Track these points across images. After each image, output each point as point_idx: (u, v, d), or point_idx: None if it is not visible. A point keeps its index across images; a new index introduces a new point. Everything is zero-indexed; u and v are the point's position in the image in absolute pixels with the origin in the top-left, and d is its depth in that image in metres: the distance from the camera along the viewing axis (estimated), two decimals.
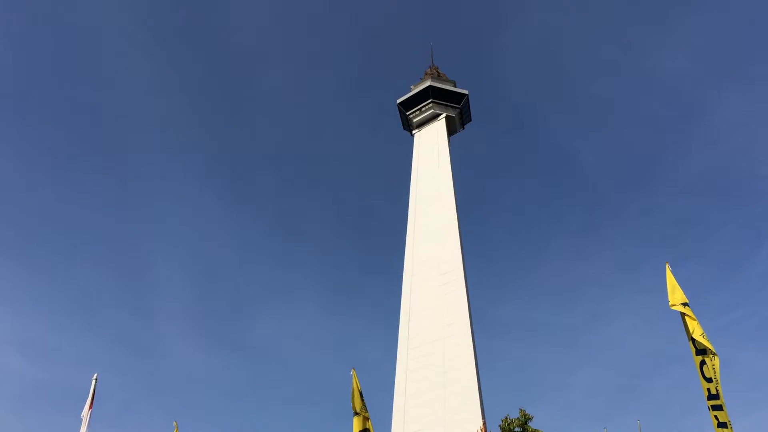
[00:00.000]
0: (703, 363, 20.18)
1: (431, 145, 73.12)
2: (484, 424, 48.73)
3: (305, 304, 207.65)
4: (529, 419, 28.79)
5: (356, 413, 22.15)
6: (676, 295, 21.75)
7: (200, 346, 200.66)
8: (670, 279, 22.20)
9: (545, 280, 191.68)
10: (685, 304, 21.31)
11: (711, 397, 19.76)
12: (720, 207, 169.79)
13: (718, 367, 20.02)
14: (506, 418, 29.13)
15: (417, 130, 76.43)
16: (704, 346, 20.24)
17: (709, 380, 19.83)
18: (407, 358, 57.23)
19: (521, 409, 29.32)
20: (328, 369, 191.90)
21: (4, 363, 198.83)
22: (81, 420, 32.83)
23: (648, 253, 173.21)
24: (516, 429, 28.65)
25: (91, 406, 32.92)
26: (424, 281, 60.70)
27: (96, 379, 34.15)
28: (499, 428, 28.90)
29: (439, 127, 74.29)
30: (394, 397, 55.38)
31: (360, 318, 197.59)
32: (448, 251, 61.46)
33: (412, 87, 78.31)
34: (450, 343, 55.19)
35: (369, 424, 22.81)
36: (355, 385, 23.48)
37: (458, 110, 75.69)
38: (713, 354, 20.15)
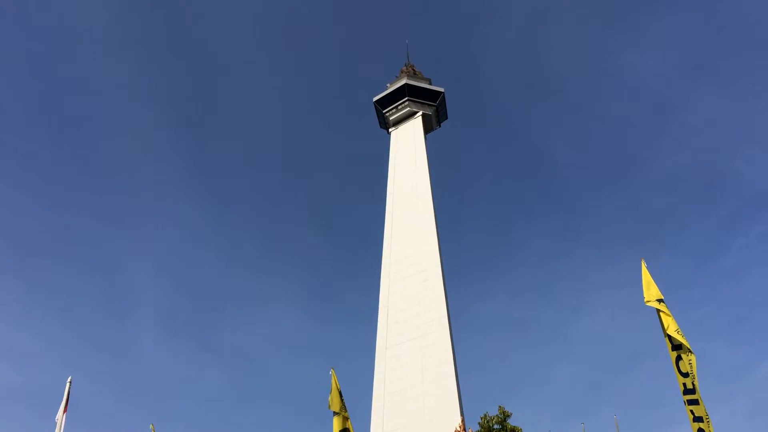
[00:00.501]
0: (678, 358, 20.39)
1: (408, 143, 73.20)
2: (463, 421, 48.90)
3: (283, 306, 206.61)
4: (508, 416, 28.95)
5: (336, 413, 22.07)
6: (651, 291, 21.93)
7: (177, 350, 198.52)
8: (646, 275, 22.38)
9: (522, 276, 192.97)
10: (660, 300, 21.51)
11: (687, 391, 19.99)
12: (693, 203, 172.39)
13: (695, 362, 20.25)
14: (485, 415, 29.27)
15: (393, 129, 76.44)
16: (680, 341, 20.46)
17: (685, 375, 20.07)
18: (386, 356, 57.26)
19: (500, 406, 29.48)
20: (306, 371, 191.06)
21: None
22: (55, 423, 32.37)
23: (623, 250, 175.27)
24: (495, 426, 28.78)
25: (65, 410, 32.41)
26: (402, 280, 60.76)
27: (70, 382, 33.63)
28: (478, 425, 28.99)
29: (416, 125, 74.36)
30: (373, 396, 55.37)
31: (338, 319, 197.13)
32: (425, 249, 61.59)
33: (388, 85, 78.29)
34: (428, 341, 55.30)
35: (349, 424, 22.75)
36: (334, 385, 23.40)
37: (434, 108, 75.84)
38: (689, 351, 20.38)
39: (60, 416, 32.39)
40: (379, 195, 73.76)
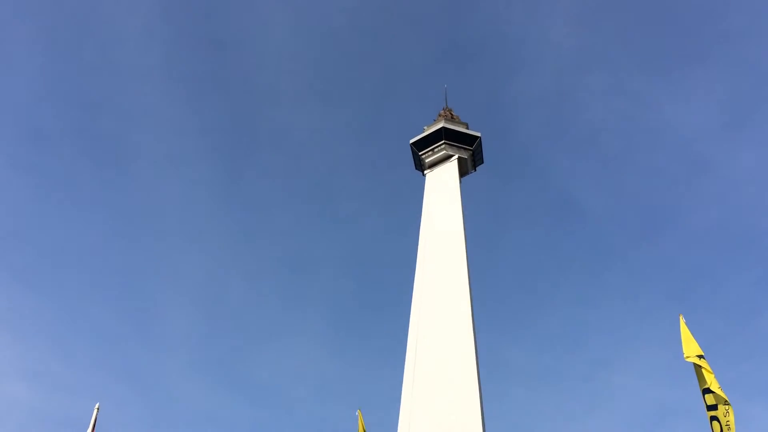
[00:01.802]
0: (713, 419, 19.79)
1: (443, 185, 73.39)
2: None
3: (311, 343, 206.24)
4: None
5: None
6: (690, 347, 21.41)
7: (204, 384, 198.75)
8: (684, 331, 21.89)
9: (551, 326, 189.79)
10: (700, 356, 20.98)
11: None
12: (730, 260, 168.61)
13: (733, 418, 19.60)
14: None
15: (429, 171, 76.82)
16: (716, 401, 19.86)
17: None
18: (412, 398, 56.49)
19: None
20: (333, 411, 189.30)
21: (8, 392, 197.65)
22: None
23: (656, 305, 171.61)
24: None
25: None
26: (432, 322, 60.24)
27: (98, 409, 34.01)
28: None
29: (451, 168, 74.62)
30: None
31: (366, 358, 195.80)
32: (456, 292, 61.13)
33: (425, 128, 78.98)
34: (456, 384, 54.51)
35: None
36: (361, 427, 23.13)
37: (470, 152, 76.13)
38: (728, 405, 19.73)
39: None
40: (411, 236, 73.77)
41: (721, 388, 19.99)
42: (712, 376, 20.35)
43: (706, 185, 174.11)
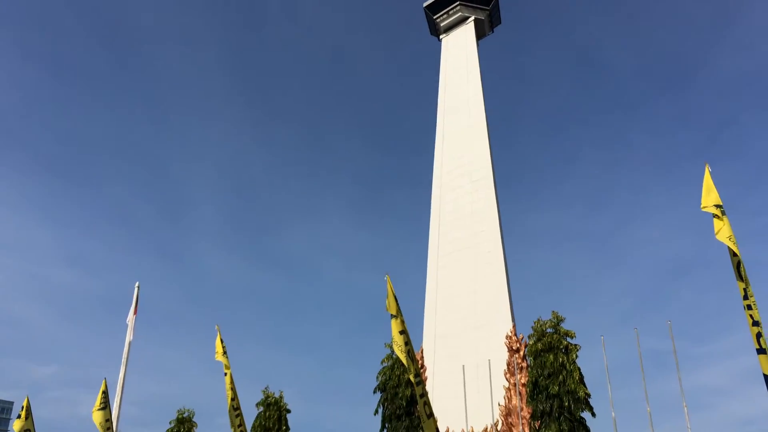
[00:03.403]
0: (739, 264, 20.05)
1: (459, 50, 71.18)
2: (514, 327, 49.84)
3: (335, 216, 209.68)
4: (561, 320, 29.24)
5: (393, 316, 22.70)
6: (710, 197, 21.28)
7: (236, 259, 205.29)
8: (707, 180, 21.65)
9: (575, 187, 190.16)
10: (718, 206, 20.93)
11: (746, 296, 19.80)
12: (756, 110, 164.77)
13: (743, 268, 19.89)
14: (538, 319, 29.62)
15: (444, 35, 74.21)
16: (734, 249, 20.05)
17: (744, 280, 19.79)
18: (437, 266, 58.12)
19: (553, 311, 29.76)
20: (360, 278, 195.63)
21: (53, 276, 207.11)
22: (127, 325, 34.46)
23: (680, 158, 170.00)
24: (548, 330, 29.17)
25: (135, 312, 34.40)
26: (454, 190, 60.71)
27: (138, 287, 35.52)
28: (531, 329, 29.48)
29: (468, 30, 71.95)
30: (425, 302, 56.65)
31: (389, 230, 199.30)
32: (477, 159, 61.07)
33: None
34: (480, 250, 55.76)
35: (405, 327, 23.41)
36: (390, 290, 23.96)
37: (487, 12, 73.03)
38: (735, 256, 19.95)
39: (131, 318, 34.41)
40: (429, 105, 72.71)
41: (734, 238, 20.13)
42: (726, 225, 20.43)
43: (736, 34, 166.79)
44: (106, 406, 27.36)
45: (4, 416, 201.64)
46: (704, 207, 21.31)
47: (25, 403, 26.91)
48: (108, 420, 27.35)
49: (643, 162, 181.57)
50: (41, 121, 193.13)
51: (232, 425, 28.25)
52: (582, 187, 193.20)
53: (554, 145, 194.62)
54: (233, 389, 28.65)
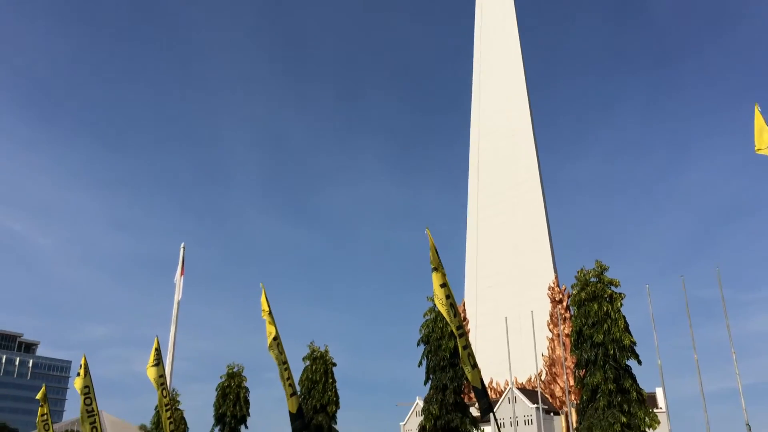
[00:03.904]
0: None
1: None
2: (557, 277, 49.57)
3: (373, 174, 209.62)
4: (605, 269, 28.96)
5: (435, 269, 22.62)
6: (764, 138, 20.47)
7: (277, 218, 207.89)
8: (759, 120, 20.80)
9: (619, 132, 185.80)
10: None
11: None
12: None
13: None
14: (582, 269, 29.37)
15: None
16: None
17: None
18: (477, 218, 57.87)
19: (597, 260, 29.43)
20: (398, 234, 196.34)
21: (103, 240, 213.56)
22: (174, 284, 35.36)
23: (729, 98, 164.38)
24: (592, 279, 28.91)
25: (182, 272, 35.21)
26: (492, 140, 59.96)
27: (184, 248, 36.29)
28: (575, 279, 29.22)
29: None
30: (466, 256, 56.67)
31: (427, 184, 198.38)
32: (516, 108, 60.04)
33: None
34: (520, 201, 55.29)
35: (446, 280, 23.31)
36: (431, 243, 23.87)
37: None
38: None
39: (178, 278, 35.27)
40: (465, 57, 71.08)
41: None
42: None
43: None
44: (159, 362, 28.20)
45: (63, 374, 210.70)
46: (758, 149, 20.50)
47: (82, 361, 27.94)
48: (162, 376, 28.23)
49: (689, 105, 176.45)
50: (87, 93, 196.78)
51: (281, 379, 28.88)
52: (624, 133, 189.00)
53: (596, 91, 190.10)
54: (280, 344, 29.18)
